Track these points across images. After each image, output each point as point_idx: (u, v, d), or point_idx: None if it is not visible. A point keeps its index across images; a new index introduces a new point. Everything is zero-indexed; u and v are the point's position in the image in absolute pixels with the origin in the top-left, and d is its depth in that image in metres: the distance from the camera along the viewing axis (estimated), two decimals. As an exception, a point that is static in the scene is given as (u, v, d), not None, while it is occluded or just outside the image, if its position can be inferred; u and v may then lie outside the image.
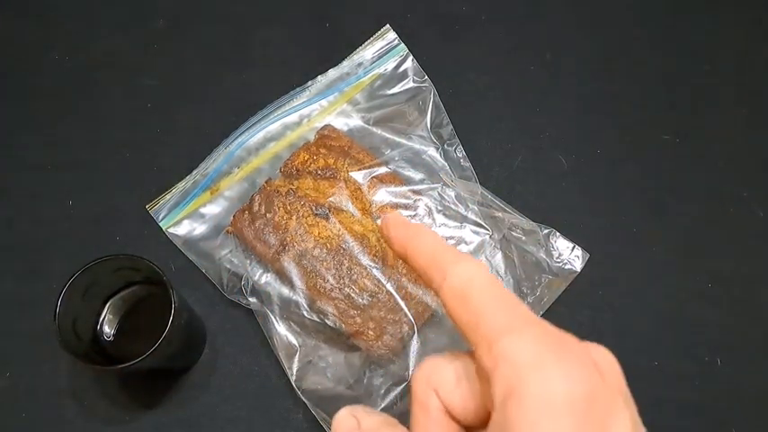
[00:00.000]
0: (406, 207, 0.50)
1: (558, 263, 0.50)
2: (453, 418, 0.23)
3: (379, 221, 0.49)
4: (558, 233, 0.51)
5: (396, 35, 0.57)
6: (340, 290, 0.48)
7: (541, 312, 0.49)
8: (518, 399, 0.20)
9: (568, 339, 0.22)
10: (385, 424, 0.25)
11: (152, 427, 0.48)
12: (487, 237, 0.50)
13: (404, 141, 0.53)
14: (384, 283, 0.48)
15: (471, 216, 0.50)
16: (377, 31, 0.57)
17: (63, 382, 0.49)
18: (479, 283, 0.23)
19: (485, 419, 0.22)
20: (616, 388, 0.22)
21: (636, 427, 0.22)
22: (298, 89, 0.56)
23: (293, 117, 0.55)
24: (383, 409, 0.46)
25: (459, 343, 0.47)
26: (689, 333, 0.51)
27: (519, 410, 0.20)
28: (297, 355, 0.47)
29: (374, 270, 0.48)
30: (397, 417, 0.46)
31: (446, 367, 0.23)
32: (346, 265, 0.48)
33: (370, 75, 0.56)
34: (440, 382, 0.23)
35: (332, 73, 0.56)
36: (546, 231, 0.51)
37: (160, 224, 0.52)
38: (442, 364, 0.23)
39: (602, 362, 0.23)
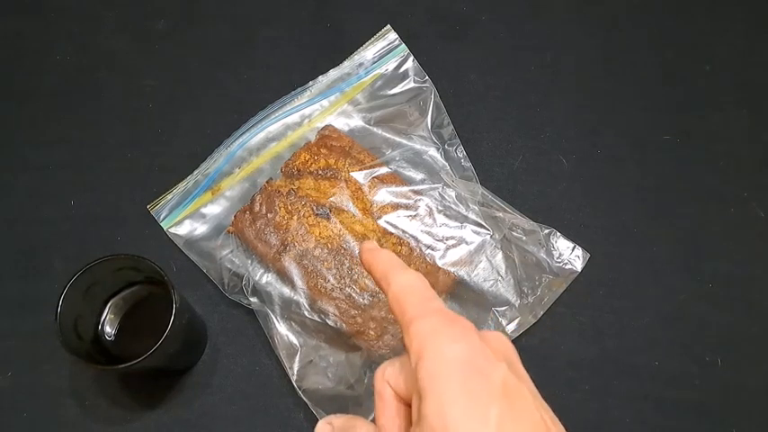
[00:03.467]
0: (406, 207, 0.50)
1: (559, 263, 0.50)
2: (402, 400, 0.30)
3: (380, 222, 0.49)
4: (558, 233, 0.51)
5: (396, 35, 0.57)
6: (341, 290, 0.48)
7: (542, 312, 0.50)
8: (422, 361, 0.27)
9: (459, 318, 0.29)
10: (353, 419, 0.33)
11: (153, 427, 0.48)
12: (488, 237, 0.50)
13: (404, 141, 0.53)
14: (385, 282, 0.48)
15: (472, 216, 0.50)
16: (378, 32, 0.57)
17: (64, 381, 0.49)
18: (409, 286, 0.31)
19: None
20: (501, 353, 0.29)
21: (517, 377, 0.28)
22: (299, 89, 0.56)
23: (294, 117, 0.55)
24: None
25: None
26: (689, 333, 0.51)
27: (422, 369, 0.27)
28: (298, 355, 0.47)
29: (375, 270, 0.48)
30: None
31: (395, 362, 0.31)
32: (347, 264, 0.48)
33: (370, 75, 0.56)
34: (390, 374, 0.30)
35: (333, 73, 0.56)
36: (546, 231, 0.51)
37: (161, 224, 0.52)
38: (392, 361, 0.31)
39: (491, 337, 0.30)
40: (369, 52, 0.57)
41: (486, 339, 0.29)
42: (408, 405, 0.30)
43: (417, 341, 0.28)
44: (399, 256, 0.48)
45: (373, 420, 0.31)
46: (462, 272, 0.49)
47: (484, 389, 0.26)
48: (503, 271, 0.50)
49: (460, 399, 0.26)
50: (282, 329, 0.48)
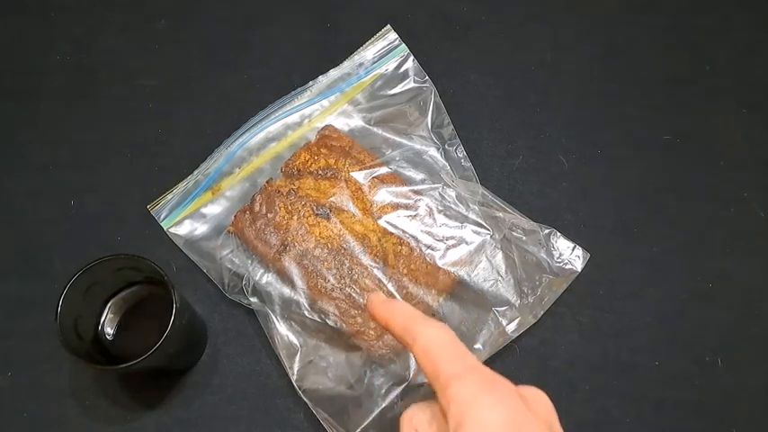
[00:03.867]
0: (406, 207, 0.50)
1: (559, 263, 0.50)
2: None
3: (380, 222, 0.49)
4: (558, 233, 0.51)
5: (396, 35, 0.57)
6: (341, 290, 0.48)
7: (542, 312, 0.50)
8: (463, 428, 0.26)
9: (498, 379, 0.28)
10: None
11: (153, 427, 0.48)
12: (488, 237, 0.50)
13: (405, 141, 0.53)
14: (385, 282, 0.48)
15: (472, 216, 0.50)
16: (378, 32, 0.57)
17: (64, 381, 0.49)
18: (438, 341, 0.30)
19: None
20: (542, 417, 0.28)
21: None
22: (299, 89, 0.56)
23: (294, 117, 0.55)
24: (384, 409, 0.46)
25: (460, 343, 0.48)
26: (689, 333, 0.51)
27: None
28: (298, 355, 0.47)
29: (375, 270, 0.48)
30: (398, 416, 0.46)
31: (424, 410, 0.30)
32: (347, 264, 0.48)
33: (371, 75, 0.56)
34: (419, 423, 0.30)
35: (333, 73, 0.56)
36: (546, 231, 0.51)
37: (161, 224, 0.52)
38: (421, 408, 0.30)
39: (531, 396, 0.29)
40: (369, 52, 0.57)
41: (527, 400, 0.28)
42: None
43: (456, 406, 0.27)
44: (399, 256, 0.48)
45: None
46: (462, 272, 0.49)
47: None
48: (503, 271, 0.50)
49: None
50: (282, 329, 0.48)
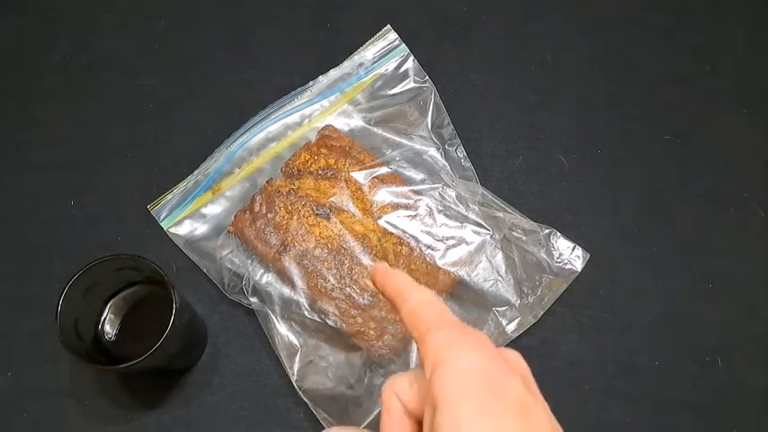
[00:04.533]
0: (406, 207, 0.50)
1: (559, 263, 0.50)
2: (411, 415, 0.29)
3: (380, 222, 0.49)
4: (558, 233, 0.51)
5: (396, 35, 0.57)
6: (341, 290, 0.48)
7: (542, 312, 0.50)
8: (437, 372, 0.27)
9: (475, 331, 0.29)
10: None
11: (153, 427, 0.48)
12: (488, 237, 0.50)
13: (405, 141, 0.53)
14: (385, 282, 0.48)
15: (472, 216, 0.50)
16: (378, 32, 0.57)
17: (64, 381, 0.49)
18: (425, 302, 0.31)
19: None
20: (518, 370, 0.28)
21: (532, 395, 0.27)
22: (299, 89, 0.56)
23: (294, 117, 0.55)
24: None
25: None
26: (689, 333, 0.51)
27: (438, 379, 0.27)
28: (298, 355, 0.47)
29: (375, 270, 0.48)
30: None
31: (404, 376, 0.30)
32: (347, 264, 0.48)
33: (371, 75, 0.56)
34: (399, 388, 0.30)
35: (333, 73, 0.56)
36: (546, 231, 0.51)
37: (161, 224, 0.52)
38: (402, 374, 0.31)
39: (507, 353, 0.30)
40: (369, 52, 0.57)
41: (502, 353, 0.29)
42: (417, 422, 0.30)
43: (433, 351, 0.28)
44: (399, 256, 0.48)
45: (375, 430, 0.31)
46: (462, 272, 0.49)
47: (499, 403, 0.26)
48: (503, 271, 0.50)
49: (475, 412, 0.25)
50: (282, 329, 0.48)
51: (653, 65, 0.59)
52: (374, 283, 0.34)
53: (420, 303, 0.31)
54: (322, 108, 0.55)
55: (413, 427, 0.30)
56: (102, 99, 0.58)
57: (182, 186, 0.53)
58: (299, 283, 0.48)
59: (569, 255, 0.51)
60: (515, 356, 0.30)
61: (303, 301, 0.48)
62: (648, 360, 0.50)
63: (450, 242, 0.49)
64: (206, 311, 0.51)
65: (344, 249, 0.49)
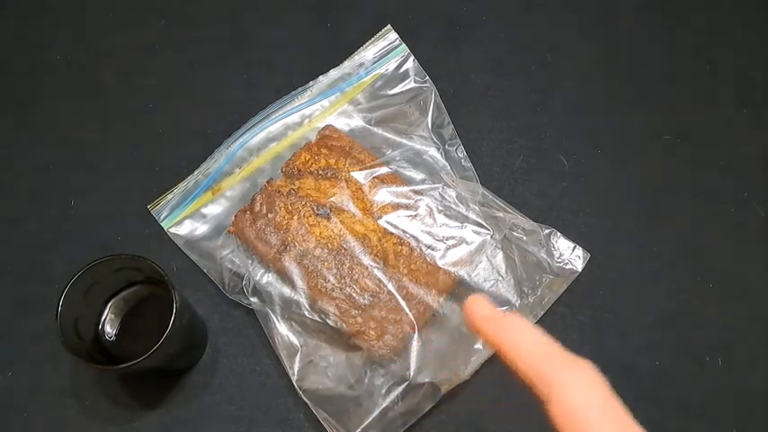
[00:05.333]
0: (407, 207, 0.50)
1: (559, 263, 0.50)
2: None
3: (381, 222, 0.49)
4: (558, 233, 0.51)
5: (397, 35, 0.57)
6: (341, 290, 0.48)
7: (542, 312, 0.50)
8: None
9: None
10: None
11: (153, 427, 0.48)
12: (488, 237, 0.50)
13: (405, 141, 0.53)
14: (385, 282, 0.48)
15: (472, 216, 0.50)
16: (378, 32, 0.57)
17: (64, 381, 0.49)
18: (594, 409, 0.24)
19: None
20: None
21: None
22: (299, 89, 0.56)
23: (294, 117, 0.55)
24: (384, 409, 0.46)
25: (460, 343, 0.48)
26: (689, 333, 0.51)
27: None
28: (298, 355, 0.47)
29: (375, 270, 0.48)
30: (398, 416, 0.46)
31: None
32: (347, 264, 0.48)
33: (371, 75, 0.56)
34: None
35: (333, 73, 0.56)
36: (547, 231, 0.51)
37: (162, 224, 0.52)
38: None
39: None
40: (369, 52, 0.57)
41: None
42: None
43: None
44: (399, 256, 0.48)
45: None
46: (463, 272, 0.49)
47: None
48: (503, 271, 0.50)
49: None
50: (283, 329, 0.48)
51: (653, 65, 0.59)
52: (478, 333, 0.27)
53: (586, 412, 0.24)
54: (322, 108, 0.55)
55: None
56: (102, 99, 0.58)
57: (182, 186, 0.53)
58: (300, 283, 0.48)
59: (570, 255, 0.51)
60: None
61: (303, 301, 0.48)
62: (648, 360, 0.50)
63: (451, 242, 0.49)
64: (206, 311, 0.51)
65: (345, 249, 0.49)
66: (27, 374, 0.49)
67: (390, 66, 0.56)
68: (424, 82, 0.55)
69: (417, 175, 0.52)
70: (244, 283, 0.49)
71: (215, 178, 0.53)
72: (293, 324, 0.48)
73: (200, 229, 0.52)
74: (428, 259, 0.49)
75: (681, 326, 0.51)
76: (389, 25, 0.57)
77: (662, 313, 0.51)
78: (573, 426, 0.23)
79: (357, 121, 0.55)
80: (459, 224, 0.50)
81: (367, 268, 0.48)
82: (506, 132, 0.57)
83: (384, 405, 0.46)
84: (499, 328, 0.25)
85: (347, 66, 0.56)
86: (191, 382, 0.49)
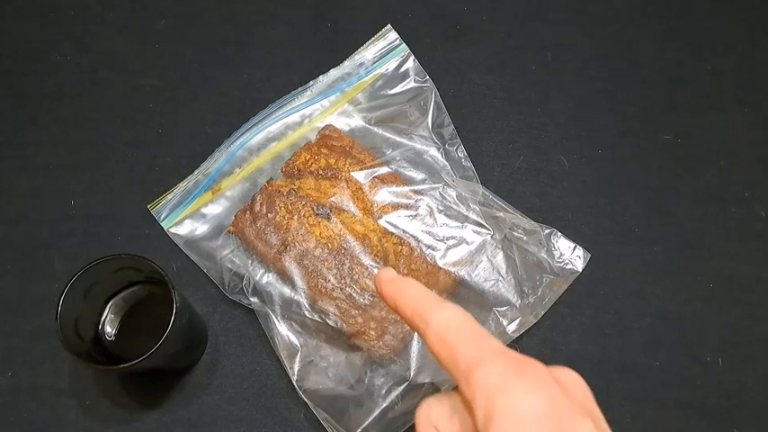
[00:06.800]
0: (407, 207, 0.50)
1: (560, 263, 0.50)
2: None
3: (381, 222, 0.49)
4: (559, 233, 0.51)
5: (397, 35, 0.57)
6: (341, 290, 0.48)
7: (543, 312, 0.50)
8: (494, 423, 0.23)
9: (529, 362, 0.24)
10: None
11: (154, 427, 0.48)
12: (489, 237, 0.50)
13: (405, 141, 0.53)
14: (385, 282, 0.48)
15: (473, 216, 0.50)
16: (378, 31, 0.57)
17: (64, 381, 0.49)
18: (455, 325, 0.26)
19: None
20: (579, 401, 0.25)
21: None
22: (299, 89, 0.56)
23: (295, 117, 0.55)
24: (384, 410, 0.46)
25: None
26: (690, 333, 0.51)
27: (494, 430, 0.23)
28: (298, 355, 0.47)
29: (375, 270, 0.48)
30: (399, 416, 0.46)
31: (442, 404, 0.26)
32: (348, 264, 0.48)
33: (371, 74, 0.56)
34: (437, 418, 0.26)
35: (333, 73, 0.56)
36: (547, 231, 0.51)
37: (162, 224, 0.52)
38: (439, 401, 0.26)
39: (566, 380, 0.26)
40: (369, 52, 0.57)
41: (562, 385, 0.24)
42: None
43: (483, 395, 0.23)
44: (400, 256, 0.48)
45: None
46: (463, 272, 0.49)
47: None
48: (503, 271, 0.50)
49: None
50: (283, 329, 0.48)
51: (653, 65, 0.59)
52: (381, 297, 0.30)
53: (448, 327, 0.26)
54: (322, 108, 0.55)
55: None
56: (102, 99, 0.58)
57: (182, 186, 0.53)
58: (300, 283, 0.48)
59: (570, 255, 0.51)
60: (574, 380, 0.26)
61: (303, 301, 0.48)
62: (648, 360, 0.50)
63: (451, 242, 0.49)
64: (206, 311, 0.51)
65: (345, 249, 0.49)
66: (27, 374, 0.49)
67: (390, 65, 0.56)
68: (425, 82, 0.55)
69: (417, 174, 0.52)
70: (244, 283, 0.49)
71: (215, 178, 0.53)
72: (293, 324, 0.48)
73: (200, 229, 0.52)
74: (428, 259, 0.49)
75: (681, 326, 0.51)
76: (389, 25, 0.57)
77: (662, 313, 0.51)
78: (442, 344, 0.26)
79: (357, 121, 0.55)
80: (460, 224, 0.50)
81: (367, 268, 0.48)
82: (506, 132, 0.57)
83: (384, 405, 0.46)
84: (392, 287, 0.29)
85: (347, 65, 0.56)
86: (191, 382, 0.49)
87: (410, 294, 0.29)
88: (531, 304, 0.49)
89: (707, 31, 0.61)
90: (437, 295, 0.28)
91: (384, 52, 0.57)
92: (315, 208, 0.50)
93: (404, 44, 0.57)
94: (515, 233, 0.51)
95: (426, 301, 0.28)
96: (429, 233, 0.49)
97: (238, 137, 0.54)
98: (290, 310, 0.48)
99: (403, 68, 0.56)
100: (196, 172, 0.53)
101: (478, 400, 0.23)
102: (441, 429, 0.25)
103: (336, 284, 0.48)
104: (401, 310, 0.29)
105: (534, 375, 0.24)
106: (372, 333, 0.47)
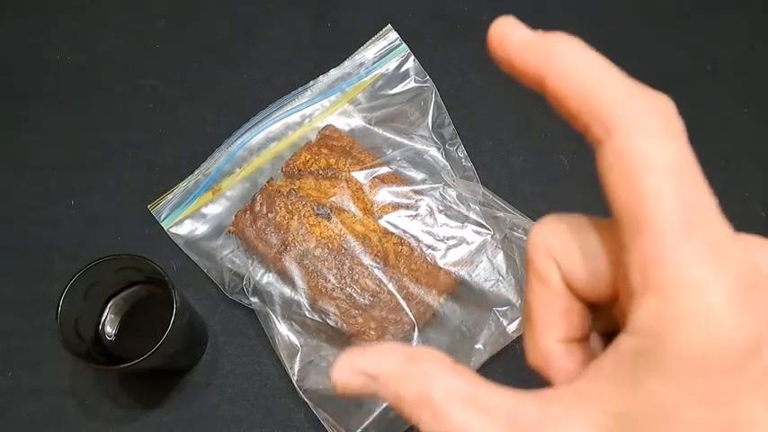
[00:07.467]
0: (407, 207, 0.50)
1: (560, 263, 0.50)
2: (576, 293, 0.19)
3: (381, 222, 0.49)
4: (559, 233, 0.51)
5: (397, 35, 0.57)
6: (341, 290, 0.48)
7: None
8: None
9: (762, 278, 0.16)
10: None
11: (154, 427, 0.48)
12: (489, 237, 0.50)
13: (405, 141, 0.53)
14: (385, 282, 0.48)
15: (473, 216, 0.50)
16: (378, 31, 0.57)
17: (65, 381, 0.49)
18: (661, 162, 0.16)
19: (609, 298, 0.18)
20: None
21: None
22: (299, 89, 0.56)
23: (295, 117, 0.55)
24: (384, 409, 0.46)
25: (461, 343, 0.48)
26: (690, 333, 0.51)
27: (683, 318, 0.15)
28: (298, 355, 0.47)
29: (375, 270, 0.48)
30: (399, 416, 0.46)
31: (570, 239, 0.19)
32: (348, 264, 0.48)
33: (371, 74, 0.56)
34: (563, 255, 0.18)
35: (333, 73, 0.56)
36: (547, 231, 0.51)
37: (162, 224, 0.52)
38: (566, 234, 0.19)
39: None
40: (369, 52, 0.57)
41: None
42: (587, 303, 0.19)
43: (670, 266, 0.15)
44: (400, 256, 0.48)
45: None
46: (463, 272, 0.49)
47: None
48: (504, 271, 0.50)
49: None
50: (283, 329, 0.48)
51: (653, 65, 0.59)
52: (498, 53, 0.19)
53: (647, 165, 0.16)
54: (322, 108, 0.55)
55: (581, 311, 0.19)
56: (102, 99, 0.58)
57: (182, 186, 0.53)
58: (300, 283, 0.48)
59: (570, 255, 0.51)
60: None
61: (304, 301, 0.48)
62: (649, 360, 0.50)
63: (451, 242, 0.49)
64: (206, 311, 0.51)
65: (345, 249, 0.49)
66: (27, 374, 0.49)
67: (391, 65, 0.56)
68: (425, 82, 0.55)
69: (418, 174, 0.52)
70: (244, 283, 0.49)
71: (215, 178, 0.53)
72: (293, 324, 0.48)
73: (201, 229, 0.52)
74: (428, 259, 0.49)
75: (681, 326, 0.51)
76: (390, 25, 0.57)
77: (662, 313, 0.51)
78: (627, 177, 0.16)
79: (357, 121, 0.55)
80: (460, 224, 0.50)
81: (367, 268, 0.48)
82: (507, 132, 0.57)
83: (384, 405, 0.46)
84: (542, 55, 0.18)
85: (347, 65, 0.56)
86: (191, 382, 0.49)
87: (577, 69, 0.18)
88: (531, 304, 0.49)
89: (706, 31, 0.61)
90: (626, 76, 0.18)
91: (384, 52, 0.57)
92: (315, 208, 0.50)
93: (404, 44, 0.57)
94: (515, 233, 0.51)
95: (611, 87, 0.17)
96: (429, 233, 0.49)
97: (238, 137, 0.54)
98: (290, 310, 0.48)
99: (403, 68, 0.56)
100: (196, 172, 0.53)
101: (655, 268, 0.15)
102: (563, 264, 0.18)
103: (336, 284, 0.48)
104: (569, 105, 0.18)
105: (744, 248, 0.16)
106: (372, 333, 0.47)
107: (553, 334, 0.19)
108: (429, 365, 0.18)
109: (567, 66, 0.18)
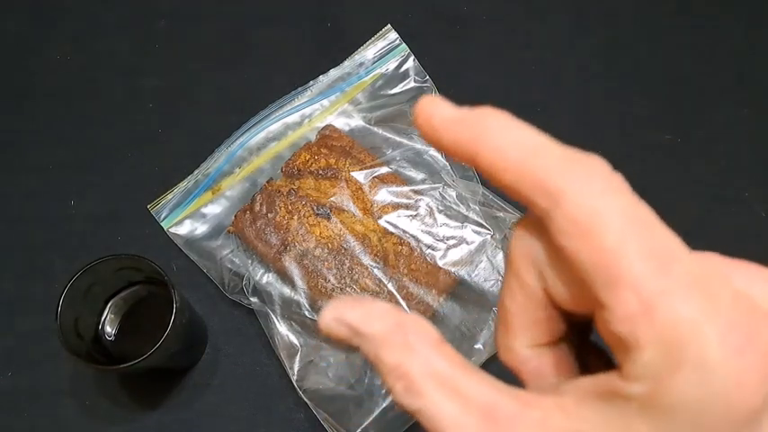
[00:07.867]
0: (407, 207, 0.50)
1: (559, 263, 0.50)
2: (555, 304, 0.19)
3: (381, 222, 0.49)
4: (558, 233, 0.51)
5: (397, 35, 0.57)
6: (341, 290, 0.48)
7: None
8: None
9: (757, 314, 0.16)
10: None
11: (153, 427, 0.48)
12: (489, 237, 0.50)
13: (405, 141, 0.53)
14: (385, 282, 0.48)
15: (473, 216, 0.50)
16: (378, 31, 0.57)
17: (64, 381, 0.49)
18: (616, 217, 0.16)
19: (590, 312, 0.18)
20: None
21: None
22: (299, 89, 0.56)
23: (294, 117, 0.55)
24: (384, 410, 0.46)
25: (461, 343, 0.47)
26: (689, 333, 0.51)
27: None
28: (298, 355, 0.47)
29: (375, 270, 0.48)
30: (398, 416, 0.46)
31: (535, 237, 0.18)
32: (347, 264, 0.48)
33: (371, 74, 0.56)
34: (541, 261, 0.18)
35: (333, 73, 0.56)
36: (547, 231, 0.51)
37: (161, 224, 0.52)
38: (526, 223, 0.19)
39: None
40: (369, 52, 0.57)
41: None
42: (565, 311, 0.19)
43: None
44: (400, 256, 0.48)
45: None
46: (463, 272, 0.49)
47: None
48: (503, 271, 0.50)
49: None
50: (283, 329, 0.48)
51: (653, 64, 0.59)
52: (425, 132, 0.19)
53: (601, 218, 0.16)
54: (322, 108, 0.55)
55: (558, 317, 0.19)
56: (102, 99, 0.58)
57: (182, 186, 0.53)
58: (300, 282, 0.48)
59: (570, 255, 0.51)
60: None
61: (303, 300, 0.48)
62: (649, 360, 0.50)
63: (451, 242, 0.49)
64: (206, 311, 0.51)
65: (345, 249, 0.49)
66: (27, 374, 0.49)
67: (390, 65, 0.56)
68: (425, 82, 0.55)
69: (417, 174, 0.52)
70: (244, 283, 0.49)
71: (215, 178, 0.53)
72: (293, 324, 0.48)
73: (200, 228, 0.52)
74: (428, 259, 0.49)
75: (681, 326, 0.51)
76: (389, 25, 0.57)
77: (662, 313, 0.51)
78: (587, 239, 0.16)
79: (357, 121, 0.55)
80: (460, 224, 0.50)
81: (367, 268, 0.48)
82: (506, 132, 0.57)
83: (384, 405, 0.46)
84: (471, 132, 0.18)
85: (347, 65, 0.56)
86: (191, 382, 0.49)
87: (509, 143, 0.17)
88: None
89: (707, 31, 0.61)
90: (559, 144, 0.18)
91: (384, 52, 0.57)
92: (315, 208, 0.50)
93: (404, 44, 0.57)
94: (515, 233, 0.51)
95: (546, 157, 0.17)
96: (429, 233, 0.49)
97: (238, 137, 0.54)
98: (290, 310, 0.48)
99: (403, 68, 0.56)
100: (196, 172, 0.53)
101: (629, 292, 0.15)
102: (547, 275, 0.18)
103: (336, 284, 0.48)
104: (505, 180, 0.17)
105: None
106: (372, 333, 0.47)
107: (528, 339, 0.19)
108: (414, 338, 0.18)
109: (499, 141, 0.18)
